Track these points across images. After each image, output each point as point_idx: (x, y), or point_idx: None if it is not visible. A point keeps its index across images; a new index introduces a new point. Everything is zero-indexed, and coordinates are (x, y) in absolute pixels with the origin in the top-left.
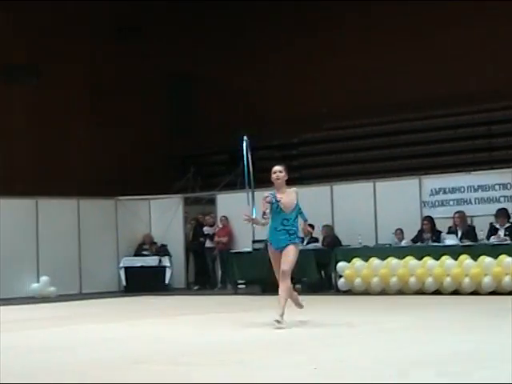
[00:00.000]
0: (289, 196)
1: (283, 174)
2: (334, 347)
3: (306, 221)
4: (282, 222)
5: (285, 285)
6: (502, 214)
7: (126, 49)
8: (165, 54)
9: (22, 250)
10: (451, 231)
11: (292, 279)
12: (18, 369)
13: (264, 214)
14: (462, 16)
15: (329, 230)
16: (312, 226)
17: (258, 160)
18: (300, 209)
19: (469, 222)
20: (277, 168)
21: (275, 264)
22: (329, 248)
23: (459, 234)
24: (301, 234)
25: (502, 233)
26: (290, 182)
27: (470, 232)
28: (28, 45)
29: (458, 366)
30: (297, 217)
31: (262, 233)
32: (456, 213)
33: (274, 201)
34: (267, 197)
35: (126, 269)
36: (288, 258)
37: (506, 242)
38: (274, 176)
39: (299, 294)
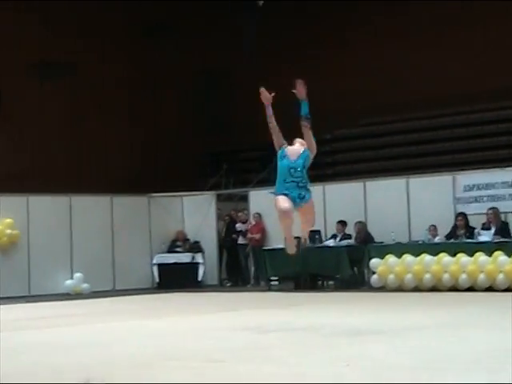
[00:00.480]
0: (297, 145)
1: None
2: (367, 344)
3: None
4: (289, 171)
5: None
6: None
7: (162, 46)
8: (199, 51)
9: (55, 247)
10: (485, 227)
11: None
12: (53, 366)
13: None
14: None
15: (362, 226)
16: (344, 223)
17: None
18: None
19: (503, 219)
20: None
21: (282, 202)
22: (362, 245)
23: (492, 230)
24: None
25: None
26: (321, 179)
27: (503, 228)
28: (62, 43)
29: (495, 363)
30: (305, 167)
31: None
32: (490, 209)
33: (281, 147)
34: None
35: (159, 265)
36: (308, 217)
37: None
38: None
39: (332, 290)
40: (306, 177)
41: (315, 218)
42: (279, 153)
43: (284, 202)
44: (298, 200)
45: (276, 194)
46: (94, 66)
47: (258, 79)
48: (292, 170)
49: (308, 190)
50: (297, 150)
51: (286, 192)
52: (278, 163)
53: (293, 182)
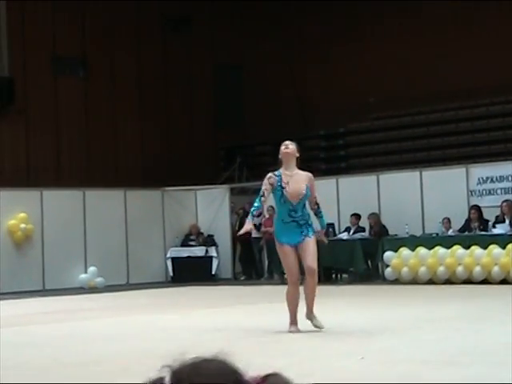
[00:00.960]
0: (298, 182)
1: (293, 147)
2: (382, 337)
3: (323, 228)
4: (289, 214)
5: (314, 281)
6: None
7: (174, 40)
8: (212, 45)
9: (70, 241)
10: (499, 220)
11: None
12: (67, 359)
13: (263, 195)
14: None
15: (376, 218)
16: (358, 216)
17: (304, 150)
18: (317, 204)
19: None
20: (287, 142)
21: (287, 259)
22: (375, 237)
23: (507, 222)
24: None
25: None
26: (334, 172)
27: None
28: (76, 37)
29: (506, 356)
30: (305, 205)
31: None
32: (504, 201)
33: (277, 184)
34: (271, 177)
35: (173, 259)
36: (310, 253)
37: None
38: (282, 148)
39: (346, 284)
40: (307, 213)
41: (316, 255)
42: (278, 191)
43: (292, 266)
44: (300, 239)
45: (277, 239)
46: (106, 60)
47: (273, 73)
48: (292, 213)
49: (310, 225)
50: (298, 191)
51: (287, 240)
52: (276, 198)
53: (293, 221)
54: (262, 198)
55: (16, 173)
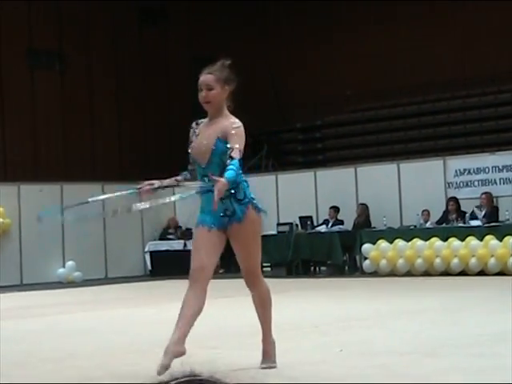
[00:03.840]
0: (209, 134)
1: (216, 90)
2: (360, 329)
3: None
4: (202, 180)
5: (260, 292)
6: None
7: (151, 32)
8: (189, 37)
9: (47, 236)
10: (473, 216)
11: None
12: (43, 354)
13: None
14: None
15: (364, 208)
16: (337, 209)
17: (282, 143)
18: (231, 157)
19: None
20: (205, 78)
21: (196, 245)
22: (358, 228)
23: (483, 213)
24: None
25: None
26: (312, 165)
27: (493, 213)
28: (52, 30)
29: (488, 346)
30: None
31: (288, 215)
32: (483, 193)
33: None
34: (191, 128)
35: (152, 253)
36: (244, 248)
37: None
38: (199, 96)
39: (325, 276)
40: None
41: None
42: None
43: (198, 258)
44: (223, 222)
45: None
46: (83, 53)
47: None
48: (204, 178)
49: (239, 200)
50: (202, 146)
51: (203, 219)
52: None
53: (208, 191)
54: (190, 167)
55: None
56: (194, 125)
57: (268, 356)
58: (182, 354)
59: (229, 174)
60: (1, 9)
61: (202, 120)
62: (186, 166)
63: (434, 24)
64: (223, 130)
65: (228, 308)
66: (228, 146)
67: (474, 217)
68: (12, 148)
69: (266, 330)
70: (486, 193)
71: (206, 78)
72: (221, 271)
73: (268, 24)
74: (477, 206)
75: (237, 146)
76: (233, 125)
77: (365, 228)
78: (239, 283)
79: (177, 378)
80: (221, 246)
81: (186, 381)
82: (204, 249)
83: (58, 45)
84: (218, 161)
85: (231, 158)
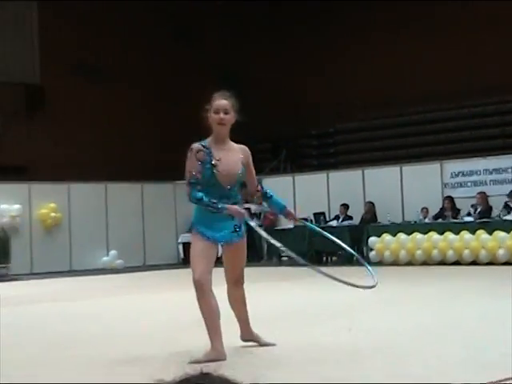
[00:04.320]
0: (233, 159)
1: (231, 114)
2: (366, 312)
3: (283, 209)
4: (221, 200)
5: (243, 291)
6: None
7: (182, 49)
8: (219, 53)
9: (93, 228)
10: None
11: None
12: (92, 332)
13: (197, 181)
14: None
15: (371, 206)
16: (346, 206)
17: (298, 148)
18: (260, 185)
19: None
20: (223, 103)
21: (202, 257)
22: (365, 223)
23: (478, 211)
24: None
25: None
26: (325, 167)
27: (487, 210)
28: (96, 47)
29: (475, 325)
30: (241, 188)
31: (304, 211)
32: (478, 193)
33: (207, 161)
34: (199, 151)
35: (184, 244)
36: (242, 261)
37: None
38: (216, 117)
39: (335, 265)
40: (240, 200)
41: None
42: (207, 169)
43: (206, 270)
44: (233, 238)
45: (196, 228)
46: (122, 67)
47: (271, 80)
48: (224, 199)
49: (244, 224)
50: (233, 169)
51: (212, 235)
52: (205, 179)
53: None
54: (199, 187)
55: (46, 168)
56: (201, 147)
57: (257, 337)
58: (222, 358)
59: (279, 201)
60: (53, 28)
61: (205, 143)
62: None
63: (438, 38)
64: (244, 156)
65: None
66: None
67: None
68: (63, 152)
69: (247, 320)
70: (480, 192)
71: (223, 102)
72: None
73: (290, 42)
74: (472, 205)
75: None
76: (248, 152)
77: (371, 223)
78: (259, 271)
79: (188, 374)
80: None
81: (198, 376)
82: (207, 262)
83: (101, 60)
84: (239, 183)
85: (260, 185)
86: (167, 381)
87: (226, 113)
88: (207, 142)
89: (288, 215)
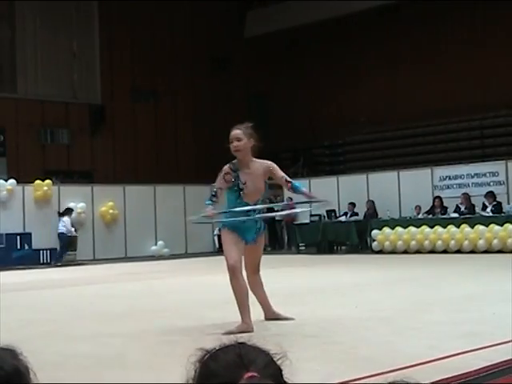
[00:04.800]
0: (257, 180)
1: (244, 141)
2: (370, 292)
3: (299, 190)
4: (247, 213)
5: (259, 278)
6: (489, 195)
7: (219, 75)
8: (249, 79)
9: (144, 223)
10: (458, 207)
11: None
12: (143, 307)
13: (215, 195)
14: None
15: (371, 204)
16: (353, 204)
17: (313, 156)
18: (289, 182)
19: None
20: (234, 132)
21: (236, 247)
22: (368, 218)
23: (462, 208)
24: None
25: (489, 209)
26: (336, 172)
27: (471, 208)
28: (148, 74)
29: (458, 304)
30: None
31: (318, 209)
32: (462, 194)
33: (234, 184)
34: (227, 174)
35: (219, 236)
36: (260, 254)
37: (493, 215)
38: (230, 146)
39: (344, 253)
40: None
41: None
42: (234, 189)
43: (239, 256)
44: (255, 237)
45: (227, 227)
46: (170, 91)
47: (291, 99)
48: (251, 212)
49: (261, 218)
50: (258, 189)
51: (242, 235)
52: (230, 193)
53: (249, 219)
54: (214, 199)
55: (106, 173)
56: (229, 170)
57: (278, 314)
58: (251, 330)
59: (299, 186)
60: (112, 58)
61: (235, 166)
62: None
63: (428, 64)
64: (265, 173)
65: (274, 276)
66: (280, 177)
67: (458, 207)
68: (120, 160)
69: (268, 302)
70: (464, 193)
71: (235, 132)
72: (268, 249)
73: (306, 68)
74: (460, 203)
75: (282, 174)
76: (270, 167)
77: (373, 218)
78: (281, 258)
79: (225, 344)
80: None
81: (234, 345)
82: (238, 251)
83: (153, 85)
84: (262, 198)
85: (289, 182)
86: (207, 348)
87: (238, 140)
88: (237, 164)
89: (305, 195)
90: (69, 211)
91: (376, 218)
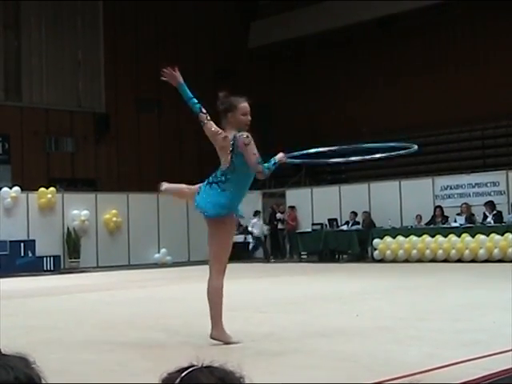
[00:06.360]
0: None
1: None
2: (370, 300)
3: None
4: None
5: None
6: (489, 205)
7: (222, 86)
8: (253, 90)
9: (147, 231)
10: (459, 216)
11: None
12: (146, 314)
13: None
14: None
15: (367, 215)
16: (355, 213)
17: (315, 165)
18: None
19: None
20: (248, 106)
21: (231, 242)
22: (366, 228)
23: (463, 217)
24: None
25: (490, 218)
26: (337, 181)
27: (471, 218)
28: (153, 84)
29: (459, 313)
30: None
31: (320, 218)
32: (463, 204)
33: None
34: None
35: None
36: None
37: (494, 225)
38: (245, 119)
39: (345, 262)
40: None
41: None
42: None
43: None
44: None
45: (233, 210)
46: (174, 101)
47: (293, 110)
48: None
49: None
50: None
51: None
52: (242, 170)
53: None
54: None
55: (110, 181)
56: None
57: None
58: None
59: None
60: (115, 68)
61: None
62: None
63: (428, 81)
64: None
65: (275, 284)
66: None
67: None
68: (123, 168)
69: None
70: (465, 203)
71: (248, 106)
72: (272, 259)
73: (309, 78)
74: (458, 214)
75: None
76: None
77: (370, 227)
78: (283, 266)
79: (192, 366)
80: None
81: (202, 368)
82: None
83: (157, 95)
84: None
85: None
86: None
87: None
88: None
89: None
90: (257, 213)
91: (374, 228)
